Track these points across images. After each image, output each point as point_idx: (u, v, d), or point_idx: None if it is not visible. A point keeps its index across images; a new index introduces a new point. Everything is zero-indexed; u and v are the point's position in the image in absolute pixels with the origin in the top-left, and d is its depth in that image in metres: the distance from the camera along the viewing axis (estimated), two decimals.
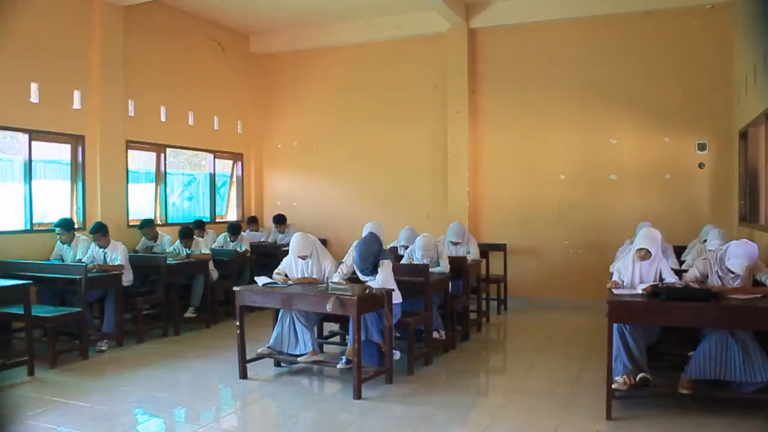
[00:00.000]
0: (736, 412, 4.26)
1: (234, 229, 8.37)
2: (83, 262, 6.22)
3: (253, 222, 9.71)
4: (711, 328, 4.25)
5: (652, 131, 8.23)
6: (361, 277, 5.17)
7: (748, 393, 4.19)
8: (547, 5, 8.51)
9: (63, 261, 6.63)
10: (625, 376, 4.33)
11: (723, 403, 4.37)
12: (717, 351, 4.18)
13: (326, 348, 5.89)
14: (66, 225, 6.57)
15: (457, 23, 8.80)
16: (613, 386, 4.29)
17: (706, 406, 4.37)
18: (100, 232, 6.46)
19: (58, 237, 6.57)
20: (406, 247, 6.65)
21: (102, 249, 6.49)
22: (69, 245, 6.62)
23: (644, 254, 4.67)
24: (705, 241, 6.05)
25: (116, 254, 6.46)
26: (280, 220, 9.46)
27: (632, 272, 4.74)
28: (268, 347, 5.37)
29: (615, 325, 4.36)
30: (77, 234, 6.73)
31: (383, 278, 5.05)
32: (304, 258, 5.37)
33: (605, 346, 4.33)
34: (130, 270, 6.60)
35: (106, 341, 6.19)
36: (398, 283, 5.29)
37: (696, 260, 5.00)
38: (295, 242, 5.36)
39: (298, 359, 5.24)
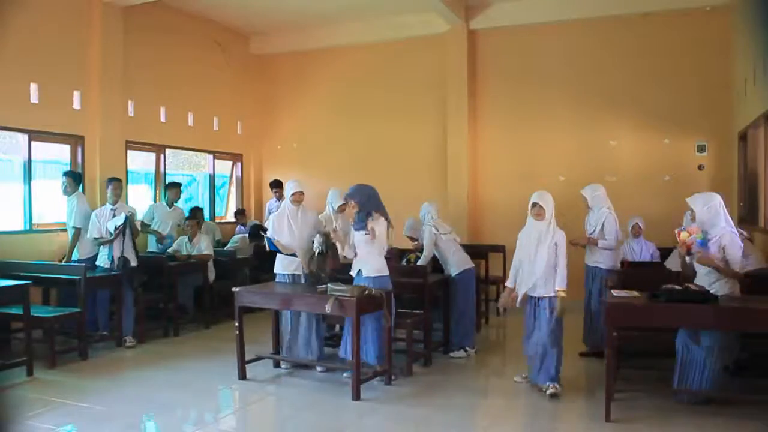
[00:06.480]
0: (735, 412, 4.27)
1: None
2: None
3: (241, 214, 9.51)
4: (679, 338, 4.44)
5: (652, 133, 8.23)
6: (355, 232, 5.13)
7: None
8: (546, 7, 8.50)
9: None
10: None
11: (721, 403, 4.37)
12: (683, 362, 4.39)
13: (326, 349, 5.87)
14: (75, 175, 6.73)
15: (457, 24, 8.80)
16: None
17: (704, 407, 4.38)
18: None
19: (65, 187, 6.51)
20: (412, 239, 6.73)
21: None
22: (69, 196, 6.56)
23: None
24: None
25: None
26: (241, 212, 9.47)
27: None
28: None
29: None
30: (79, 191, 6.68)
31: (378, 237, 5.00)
32: (298, 201, 5.48)
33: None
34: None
35: (129, 337, 6.34)
36: (396, 284, 5.30)
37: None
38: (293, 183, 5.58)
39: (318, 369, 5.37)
